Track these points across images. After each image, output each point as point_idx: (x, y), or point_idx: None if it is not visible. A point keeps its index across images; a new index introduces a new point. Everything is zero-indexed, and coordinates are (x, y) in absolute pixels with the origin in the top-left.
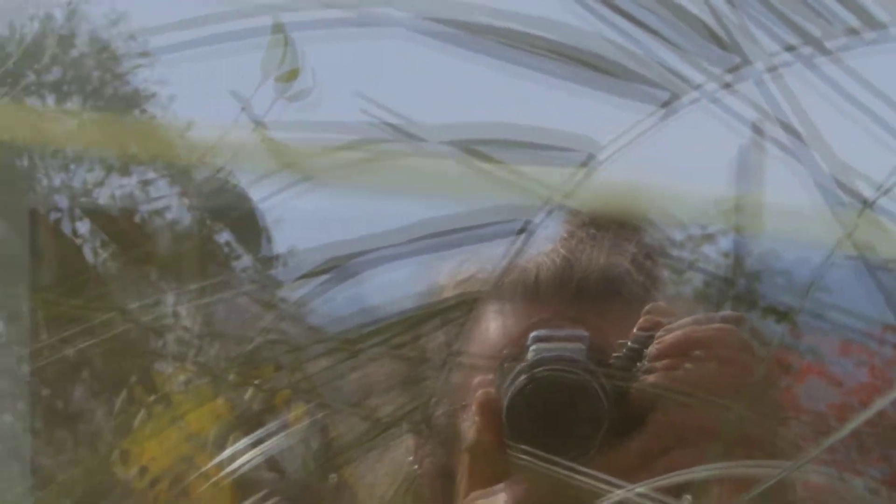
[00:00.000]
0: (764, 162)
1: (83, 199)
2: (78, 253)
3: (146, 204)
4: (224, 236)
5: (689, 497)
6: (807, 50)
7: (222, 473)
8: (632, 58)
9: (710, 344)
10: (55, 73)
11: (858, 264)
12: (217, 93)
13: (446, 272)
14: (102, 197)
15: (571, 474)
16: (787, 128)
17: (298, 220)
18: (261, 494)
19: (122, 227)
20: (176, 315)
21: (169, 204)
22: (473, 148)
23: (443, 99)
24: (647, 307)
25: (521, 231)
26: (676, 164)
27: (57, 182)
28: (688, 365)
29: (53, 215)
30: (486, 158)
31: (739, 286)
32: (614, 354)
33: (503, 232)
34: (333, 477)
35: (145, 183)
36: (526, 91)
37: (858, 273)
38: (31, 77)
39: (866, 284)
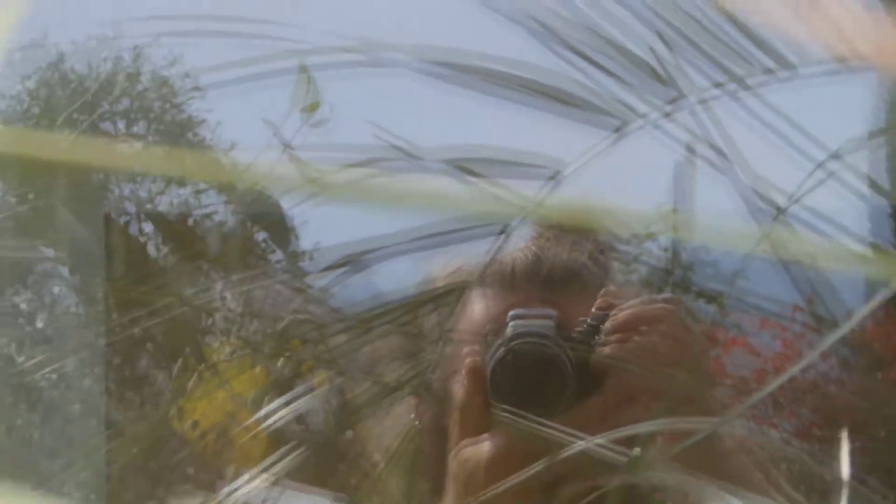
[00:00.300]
0: (695, 176)
1: (147, 206)
2: (143, 250)
3: (198, 210)
4: (261, 235)
5: (637, 449)
6: (731, 86)
7: (259, 427)
8: (590, 92)
9: (654, 321)
10: (124, 104)
11: (773, 258)
12: (254, 120)
13: (439, 265)
14: (163, 204)
15: (543, 428)
16: (715, 149)
17: (319, 224)
18: (290, 445)
19: (178, 229)
20: (223, 299)
21: (216, 210)
22: (462, 165)
23: (437, 125)
24: (602, 291)
25: (500, 232)
26: (626, 177)
27: (126, 192)
28: (636, 338)
29: (123, 219)
30: (473, 173)
31: (676, 275)
32: (576, 330)
33: (485, 233)
34: (350, 432)
35: (197, 192)
36: (505, 118)
37: (773, 265)
38: (105, 107)
39: (779, 274)
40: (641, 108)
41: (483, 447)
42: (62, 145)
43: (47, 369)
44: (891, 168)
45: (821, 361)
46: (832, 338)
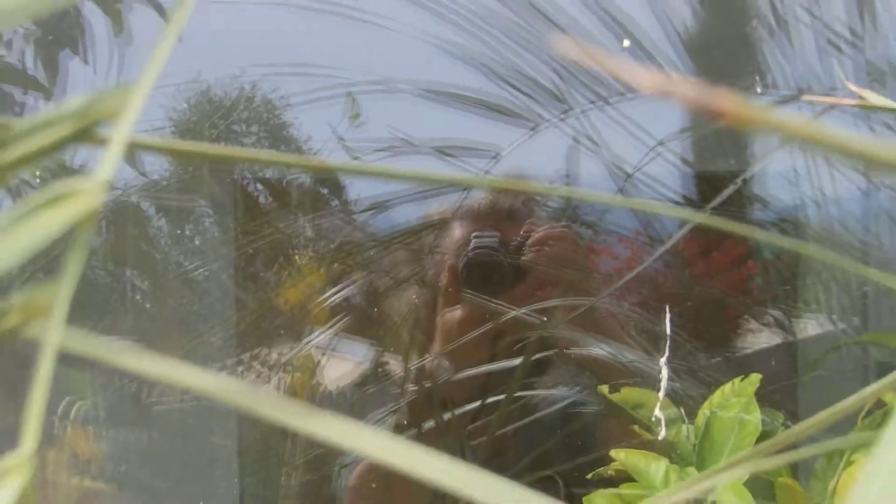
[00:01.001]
0: (579, 158)
1: (258, 174)
2: (256, 200)
3: (288, 176)
4: (324, 190)
5: (545, 317)
6: (600, 102)
7: (324, 304)
8: (519, 107)
9: (556, 238)
10: (245, 115)
11: (626, 203)
12: (323, 125)
13: (432, 208)
14: (267, 173)
15: (491, 302)
16: (591, 140)
17: (360, 183)
18: (342, 314)
19: (276, 188)
20: (303, 228)
21: (298, 176)
22: (444, 150)
23: (430, 126)
24: (527, 222)
25: (464, 189)
26: (538, 156)
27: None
28: (545, 249)
29: (244, 181)
30: (449, 155)
31: (568, 212)
32: (511, 244)
33: (457, 190)
34: (376, 308)
35: (288, 165)
36: (471, 123)
37: (626, 208)
38: (234, 117)
39: (630, 213)
40: (547, 115)
41: (457, 313)
42: (208, 142)
43: (202, 269)
44: (694, 148)
45: (653, 262)
46: (661, 250)
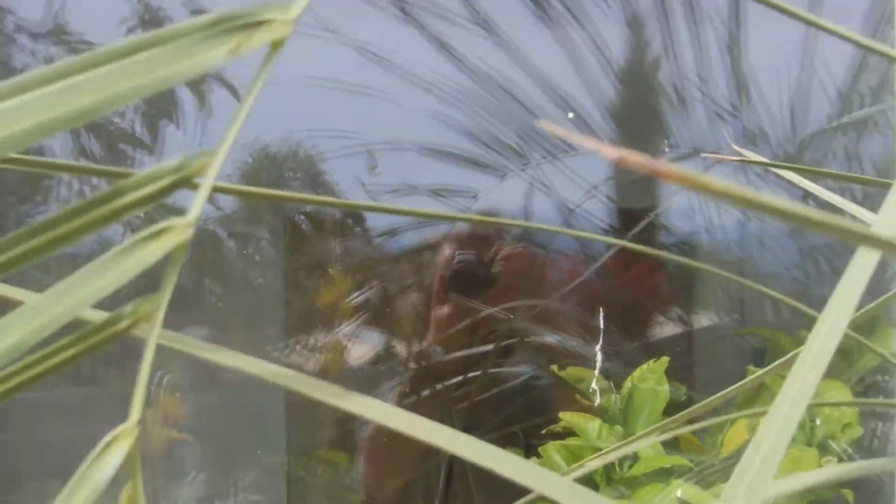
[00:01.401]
0: (534, 198)
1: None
2: (300, 227)
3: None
4: (350, 221)
5: (511, 315)
6: (550, 158)
7: (351, 302)
8: (491, 161)
9: (518, 255)
10: (290, 167)
11: (567, 231)
12: (350, 174)
13: (429, 235)
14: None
15: (471, 302)
16: (543, 184)
17: (373, 218)
18: (362, 312)
19: (314, 219)
20: (334, 248)
21: (332, 212)
22: (437, 192)
23: (428, 175)
24: (496, 243)
25: (453, 221)
26: (505, 199)
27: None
28: (510, 263)
29: (292, 215)
30: (442, 196)
31: (525, 237)
32: (485, 260)
33: (446, 223)
34: (388, 309)
35: (322, 204)
36: (457, 173)
37: (567, 235)
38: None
39: (569, 239)
40: (511, 167)
41: (445, 310)
42: (265, 186)
43: (260, 278)
44: (618, 191)
45: (589, 274)
46: (594, 266)
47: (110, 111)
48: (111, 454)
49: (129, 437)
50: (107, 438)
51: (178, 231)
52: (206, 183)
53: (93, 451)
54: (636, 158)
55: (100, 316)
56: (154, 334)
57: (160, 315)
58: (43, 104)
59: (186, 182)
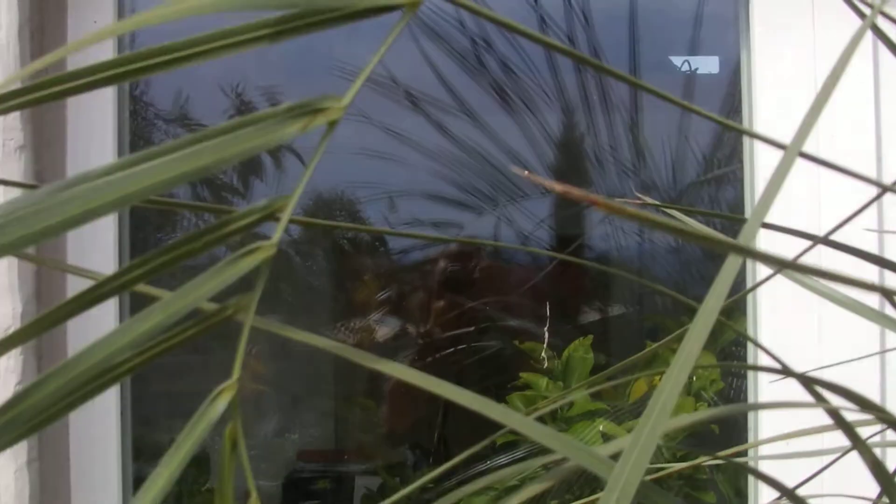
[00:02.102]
0: (501, 227)
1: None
2: (343, 249)
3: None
4: (377, 243)
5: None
6: (512, 200)
7: (377, 298)
8: (471, 203)
9: (489, 265)
10: (337, 207)
11: (520, 247)
12: (377, 212)
13: (431, 253)
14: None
15: (458, 297)
16: (508, 219)
17: (394, 241)
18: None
19: (353, 243)
20: (364, 261)
21: (364, 237)
22: (435, 223)
23: (430, 212)
24: (475, 257)
25: (444, 243)
26: (481, 228)
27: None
28: (485, 271)
29: (338, 238)
30: (438, 227)
31: (493, 253)
32: (467, 268)
33: (443, 244)
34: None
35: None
36: (449, 211)
37: (517, 251)
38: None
39: (527, 253)
40: (486, 207)
41: (441, 303)
42: (320, 219)
43: (317, 282)
44: (558, 222)
45: (539, 279)
46: (543, 272)
47: (222, 169)
48: (219, 401)
49: (231, 389)
50: (216, 390)
51: (265, 249)
52: (284, 217)
53: (206, 398)
54: (576, 191)
55: (212, 306)
56: (248, 319)
57: (253, 306)
58: (177, 163)
59: (271, 216)
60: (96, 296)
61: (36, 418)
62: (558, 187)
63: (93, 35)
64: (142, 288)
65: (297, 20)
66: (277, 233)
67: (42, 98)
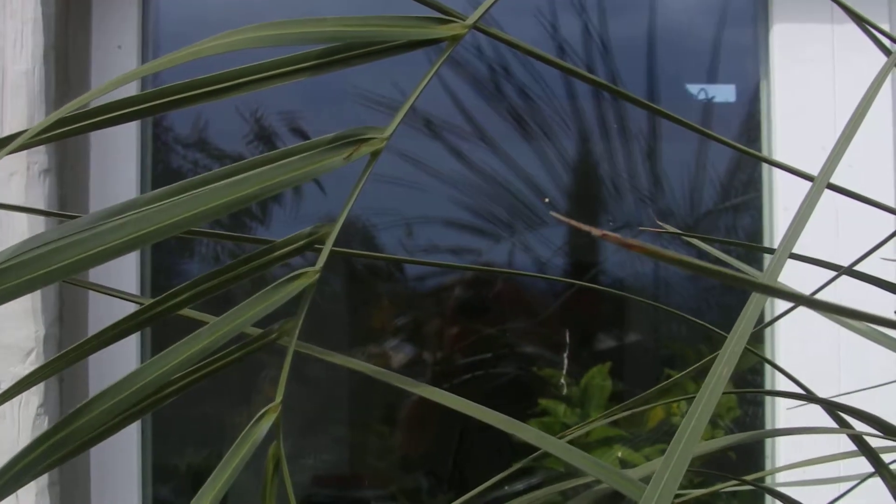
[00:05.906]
0: (516, 254)
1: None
2: (360, 273)
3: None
4: (395, 270)
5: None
6: (529, 228)
7: (382, 302)
8: (489, 230)
9: (506, 291)
10: (359, 238)
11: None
12: (395, 239)
13: (447, 279)
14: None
15: (474, 322)
16: (525, 246)
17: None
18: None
19: (371, 267)
20: (376, 279)
21: (382, 264)
22: (454, 250)
23: (448, 239)
24: (492, 285)
25: (464, 270)
26: (498, 255)
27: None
28: (502, 296)
29: (357, 264)
30: (456, 254)
31: (512, 280)
32: (484, 296)
33: (460, 272)
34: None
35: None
36: (467, 237)
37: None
38: (347, 238)
39: (545, 281)
40: (503, 234)
41: (456, 328)
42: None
43: (338, 305)
44: (571, 250)
45: (557, 306)
46: (560, 300)
47: (268, 196)
48: (263, 422)
49: (274, 411)
50: (262, 412)
51: (309, 276)
52: (327, 244)
53: (253, 419)
54: (616, 237)
55: (256, 331)
56: (292, 343)
57: (296, 331)
58: (224, 190)
59: (314, 244)
60: (144, 319)
61: (90, 433)
62: (596, 231)
63: (124, 77)
64: (188, 312)
65: (343, 52)
66: (320, 260)
67: (71, 132)
